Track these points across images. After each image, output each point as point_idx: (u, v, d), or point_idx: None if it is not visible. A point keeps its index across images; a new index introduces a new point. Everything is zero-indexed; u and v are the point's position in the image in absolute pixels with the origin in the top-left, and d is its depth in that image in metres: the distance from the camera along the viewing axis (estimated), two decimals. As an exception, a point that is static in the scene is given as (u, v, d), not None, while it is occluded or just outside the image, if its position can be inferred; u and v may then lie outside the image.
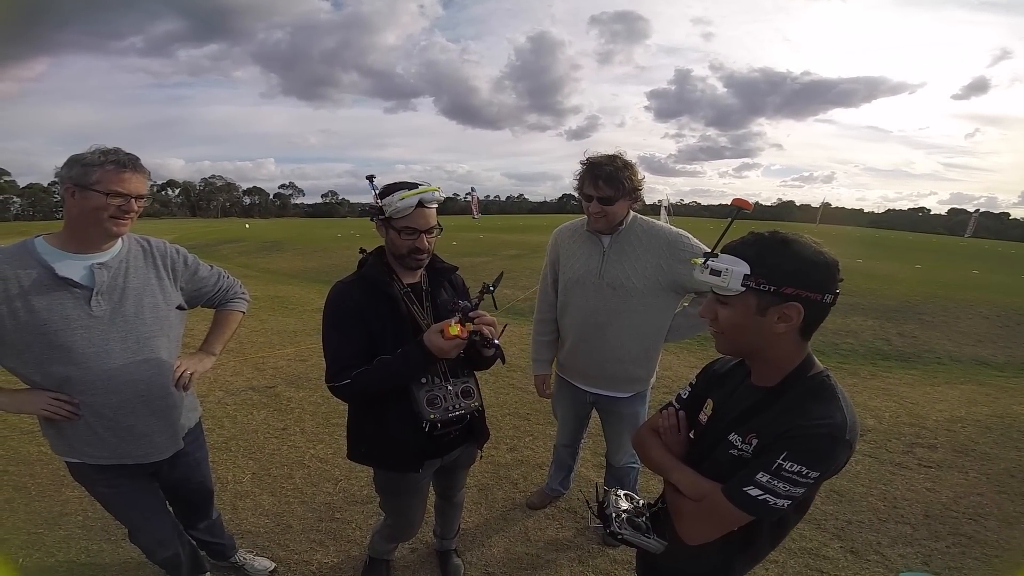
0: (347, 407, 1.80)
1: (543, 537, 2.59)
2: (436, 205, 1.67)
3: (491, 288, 1.66)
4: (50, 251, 1.56)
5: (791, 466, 0.98)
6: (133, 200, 1.57)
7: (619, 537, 1.26)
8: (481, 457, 2.06)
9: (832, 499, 2.93)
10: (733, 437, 1.12)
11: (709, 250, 1.10)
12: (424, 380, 1.68)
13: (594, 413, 2.46)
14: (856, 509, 2.85)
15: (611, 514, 1.26)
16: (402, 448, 1.71)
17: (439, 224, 1.71)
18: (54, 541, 2.47)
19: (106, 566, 2.35)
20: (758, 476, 1.02)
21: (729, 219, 1.06)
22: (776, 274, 1.01)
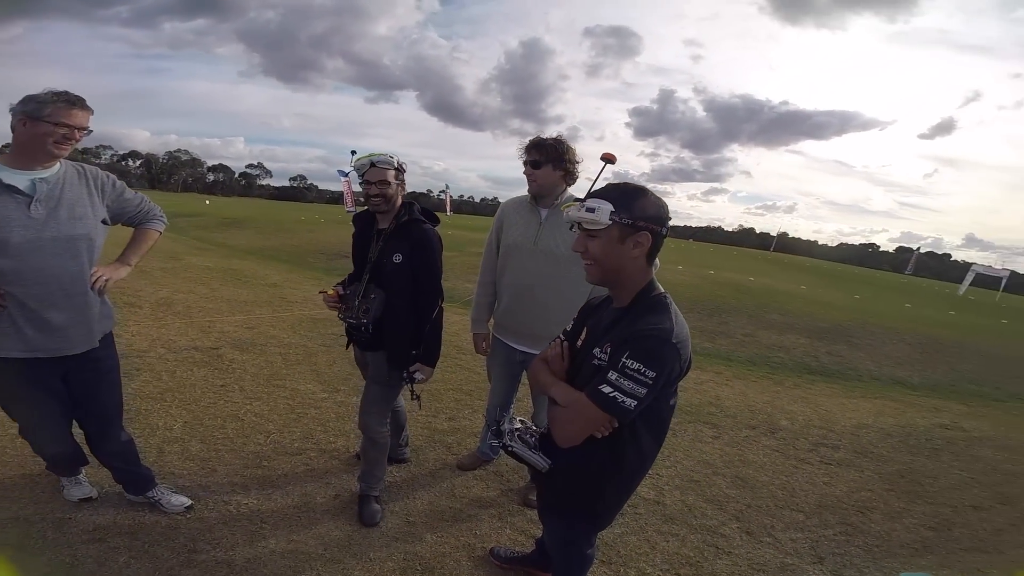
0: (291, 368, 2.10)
1: (468, 495, 2.74)
2: (388, 167, 2.25)
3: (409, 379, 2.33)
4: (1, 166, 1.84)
5: (632, 363, 1.22)
6: (76, 131, 1.90)
7: (509, 449, 1.44)
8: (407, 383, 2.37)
9: (736, 484, 3.18)
10: (595, 350, 1.35)
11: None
12: (350, 290, 2.33)
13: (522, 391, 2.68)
14: (757, 496, 3.09)
15: (505, 429, 1.45)
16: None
17: (393, 181, 2.27)
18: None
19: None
20: (609, 375, 1.24)
21: (599, 171, 1.35)
22: (632, 211, 1.28)
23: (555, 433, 1.35)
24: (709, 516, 2.82)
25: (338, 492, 2.63)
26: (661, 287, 1.37)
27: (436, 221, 2.42)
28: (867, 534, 2.84)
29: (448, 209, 41.03)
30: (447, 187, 44.58)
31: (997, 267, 32.16)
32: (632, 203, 1.29)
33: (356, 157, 2.29)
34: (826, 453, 3.85)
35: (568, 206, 1.36)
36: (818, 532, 2.80)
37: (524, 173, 2.44)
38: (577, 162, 2.44)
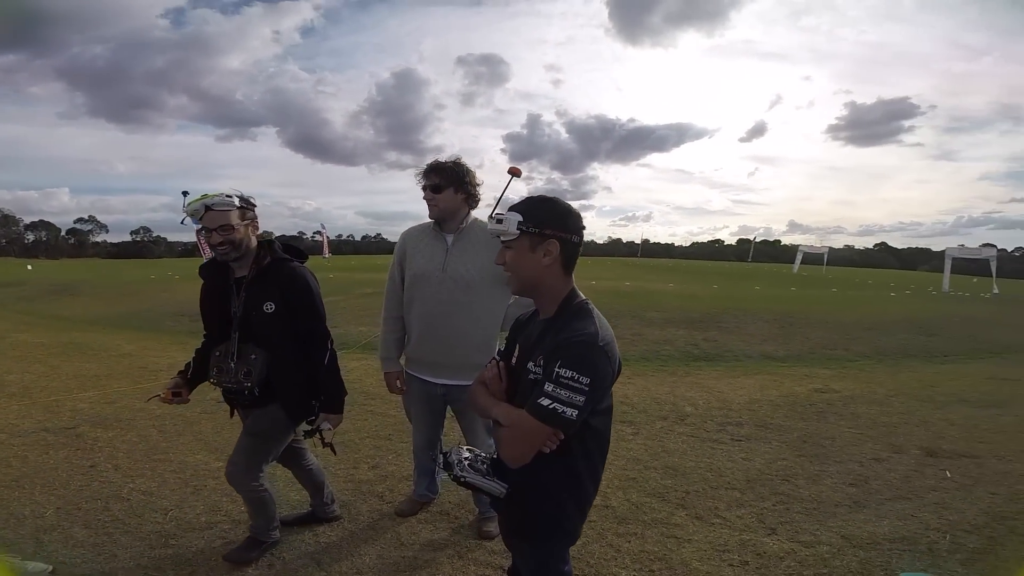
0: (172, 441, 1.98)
1: (417, 541, 2.53)
2: (228, 208, 2.01)
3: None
4: None
5: (565, 372, 1.20)
6: None
7: (463, 480, 1.36)
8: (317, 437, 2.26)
9: (669, 474, 3.31)
10: (530, 365, 1.33)
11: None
12: (219, 352, 2.13)
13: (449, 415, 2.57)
14: (690, 481, 3.23)
15: (454, 461, 1.37)
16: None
17: (238, 222, 2.04)
18: None
19: None
20: (546, 387, 1.22)
21: (506, 184, 1.40)
22: (539, 219, 1.31)
23: (504, 454, 1.30)
24: (656, 509, 2.88)
25: (271, 561, 2.33)
26: (582, 295, 1.39)
27: (304, 257, 2.27)
28: (801, 499, 3.03)
29: (326, 251, 38.79)
30: (323, 227, 41.86)
31: (817, 246, 38.18)
32: (538, 212, 1.32)
33: (188, 200, 2.02)
34: (734, 431, 4.16)
35: (485, 220, 1.38)
36: (759, 505, 2.96)
37: (424, 198, 2.36)
38: (478, 184, 2.40)
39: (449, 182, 2.30)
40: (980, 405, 5.11)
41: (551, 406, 1.20)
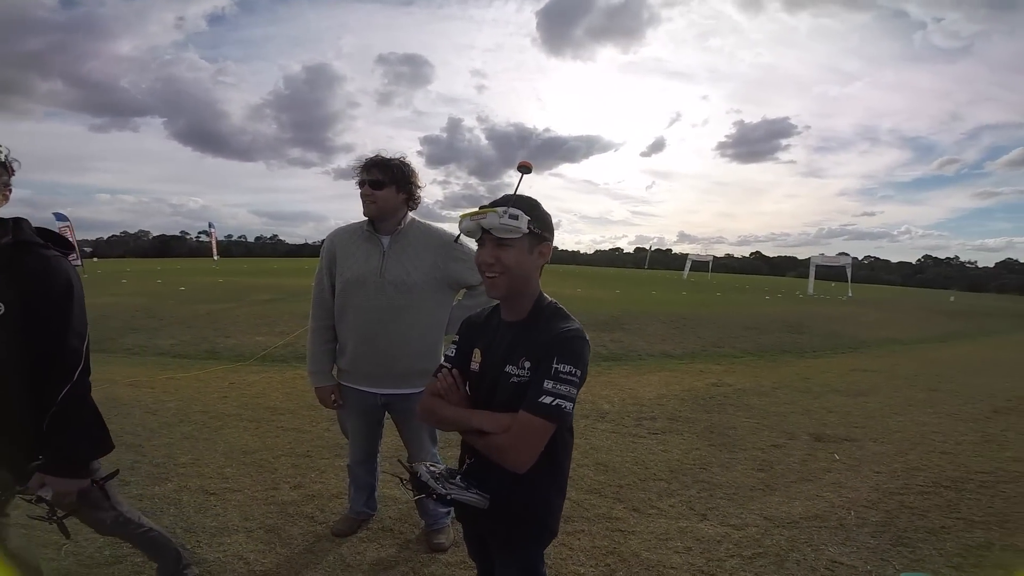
0: None
1: (365, 560, 2.37)
2: None
3: None
4: None
5: (564, 367, 1.22)
6: None
7: (448, 498, 1.29)
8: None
9: (600, 470, 3.42)
10: (509, 368, 1.30)
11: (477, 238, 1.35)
12: None
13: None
14: (620, 475, 3.37)
15: (426, 481, 1.29)
16: None
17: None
18: None
19: None
20: (545, 385, 1.22)
21: (518, 180, 1.30)
22: (540, 221, 1.31)
23: (508, 460, 1.25)
24: (597, 505, 2.95)
25: None
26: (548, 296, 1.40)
27: (67, 247, 1.61)
28: (720, 486, 3.24)
29: (214, 253, 35.27)
30: (211, 227, 37.67)
31: (703, 254, 42.00)
32: (539, 212, 1.31)
33: None
34: (649, 425, 4.40)
35: (474, 214, 1.29)
36: (686, 494, 3.13)
37: (361, 194, 2.19)
38: (420, 187, 2.27)
39: (392, 180, 2.16)
40: (849, 394, 5.84)
41: (555, 403, 1.19)
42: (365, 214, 2.23)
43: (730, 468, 3.58)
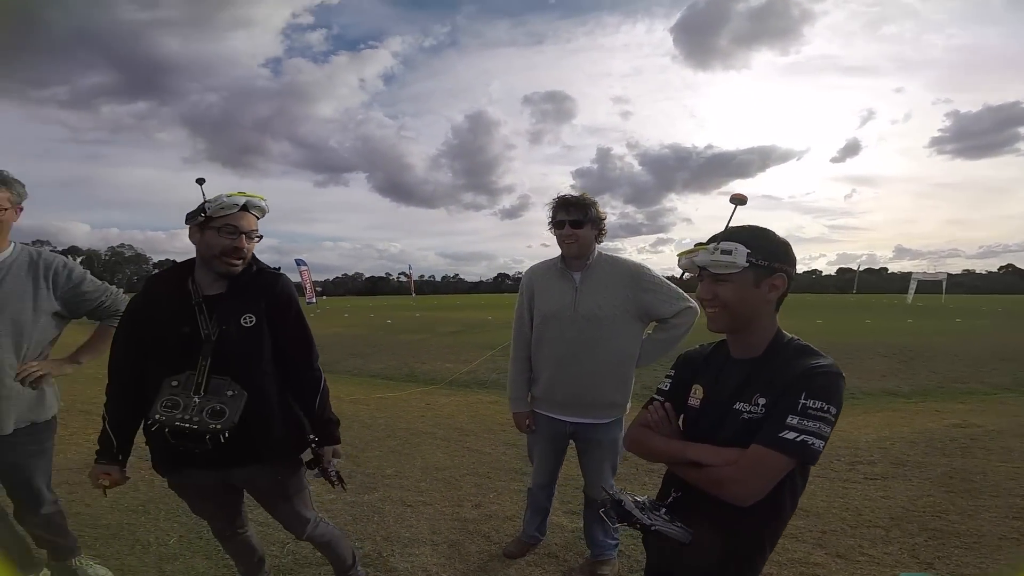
0: None
1: None
2: (260, 215, 1.76)
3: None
4: None
5: (813, 403, 1.12)
6: None
7: (652, 528, 1.25)
8: (325, 476, 1.93)
9: (800, 515, 2.99)
10: (739, 406, 1.23)
11: (678, 268, 1.35)
12: (175, 383, 1.61)
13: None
14: (825, 521, 2.94)
15: (630, 510, 1.27)
16: (154, 447, 1.71)
17: (260, 233, 1.76)
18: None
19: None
20: (788, 420, 1.13)
21: (731, 213, 1.25)
22: (767, 252, 1.23)
23: (729, 492, 1.19)
24: (791, 550, 2.64)
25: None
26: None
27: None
28: (958, 534, 2.77)
29: (412, 291, 40.61)
30: (409, 268, 43.53)
31: (932, 272, 34.63)
32: (764, 243, 1.24)
33: (216, 198, 1.66)
34: (865, 470, 3.75)
35: (688, 252, 1.27)
36: (909, 541, 2.70)
37: (559, 234, 2.22)
38: (604, 219, 2.27)
39: (588, 218, 2.19)
40: None
41: (799, 439, 1.12)
42: (566, 254, 2.27)
43: (974, 516, 2.95)
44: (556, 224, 2.23)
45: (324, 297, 50.26)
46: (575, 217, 2.18)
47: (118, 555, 2.63)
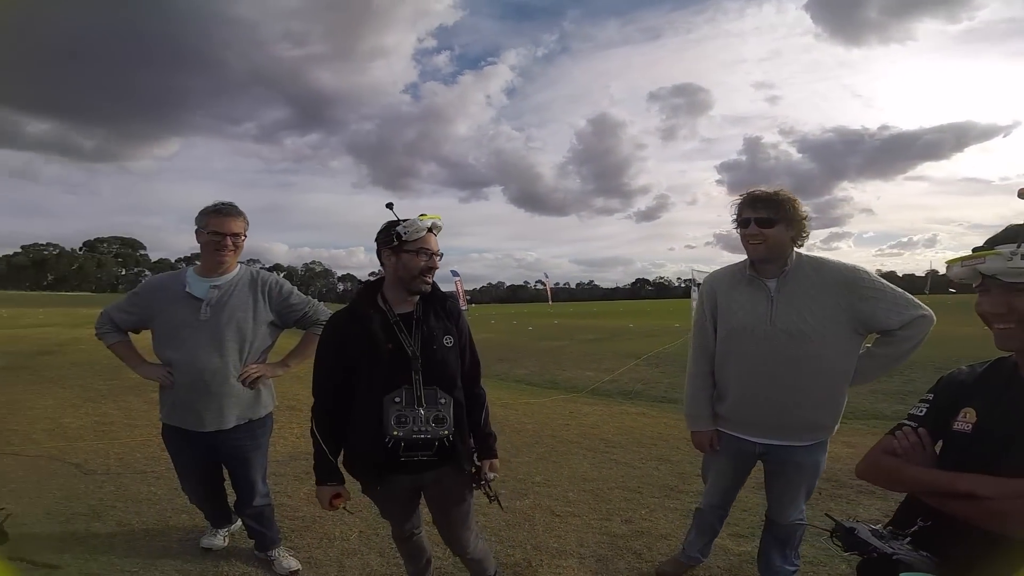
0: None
1: None
2: (437, 231, 1.86)
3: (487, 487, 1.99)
4: (192, 275, 2.33)
5: None
6: (227, 237, 2.25)
7: (894, 557, 1.17)
8: (482, 488, 2.00)
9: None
10: None
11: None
12: (397, 399, 1.76)
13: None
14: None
15: (865, 538, 1.20)
16: (365, 459, 1.84)
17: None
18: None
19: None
20: None
21: None
22: None
23: (1016, 528, 1.09)
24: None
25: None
26: None
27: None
28: None
29: (549, 298, 41.59)
30: (546, 276, 44.71)
31: None
32: None
33: (408, 222, 1.76)
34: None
35: (969, 258, 1.14)
36: None
37: (744, 233, 2.01)
38: (806, 218, 2.00)
39: (780, 216, 1.94)
40: None
41: None
42: (752, 257, 2.05)
43: None
44: (741, 222, 2.02)
45: (473, 305, 53.20)
46: (763, 215, 1.94)
47: (307, 548, 2.84)
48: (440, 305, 1.91)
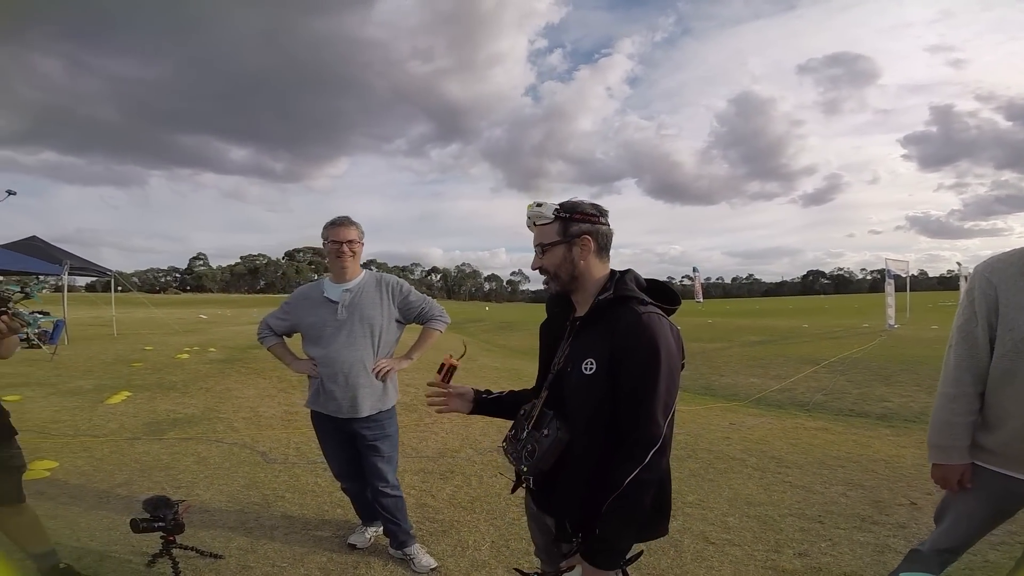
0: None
1: None
2: (545, 221, 1.46)
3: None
4: (327, 283, 2.62)
5: None
6: (343, 244, 2.50)
7: None
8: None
9: None
10: None
11: None
12: (523, 411, 1.52)
13: None
14: None
15: None
16: None
17: (558, 237, 1.44)
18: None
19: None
20: None
21: None
22: None
23: None
24: None
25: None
26: None
27: (673, 301, 1.43)
28: None
29: (699, 295, 38.46)
30: (695, 271, 40.59)
31: None
32: None
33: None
34: None
35: None
36: None
37: None
38: None
39: None
40: None
41: None
42: None
43: None
44: None
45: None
46: None
47: (441, 555, 2.77)
48: (606, 313, 1.38)
